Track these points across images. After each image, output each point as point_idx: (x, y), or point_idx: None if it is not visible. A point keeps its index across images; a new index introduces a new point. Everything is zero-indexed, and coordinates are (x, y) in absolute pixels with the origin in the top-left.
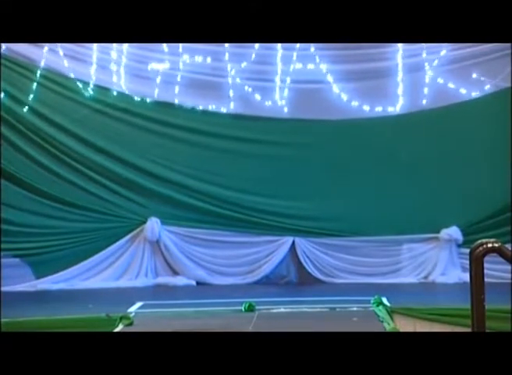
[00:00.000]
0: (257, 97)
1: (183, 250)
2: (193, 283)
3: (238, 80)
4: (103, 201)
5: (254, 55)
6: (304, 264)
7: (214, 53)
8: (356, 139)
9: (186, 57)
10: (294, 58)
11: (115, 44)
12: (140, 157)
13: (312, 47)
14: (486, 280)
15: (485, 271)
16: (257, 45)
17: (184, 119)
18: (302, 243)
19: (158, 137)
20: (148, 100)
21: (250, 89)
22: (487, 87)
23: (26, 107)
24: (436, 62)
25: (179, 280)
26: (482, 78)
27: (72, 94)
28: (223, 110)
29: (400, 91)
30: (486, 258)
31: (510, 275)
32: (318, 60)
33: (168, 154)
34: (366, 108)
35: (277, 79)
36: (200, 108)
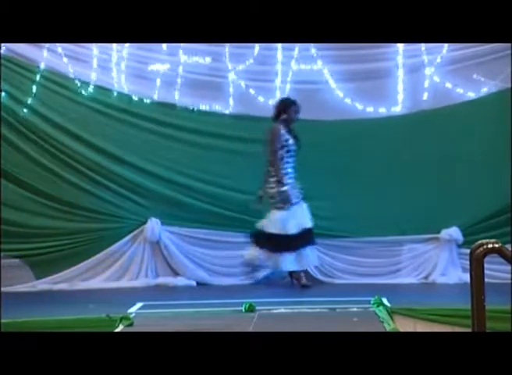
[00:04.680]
0: (258, 97)
1: (184, 250)
2: (194, 283)
3: (238, 80)
4: (103, 202)
5: (254, 56)
6: None
7: (214, 53)
8: (356, 139)
9: (186, 57)
10: (294, 58)
11: (115, 45)
12: (140, 157)
13: (312, 47)
14: (486, 280)
15: (486, 271)
16: (257, 46)
17: (184, 120)
18: None
19: (159, 137)
20: (149, 100)
21: (250, 89)
22: (487, 87)
23: (27, 107)
24: (436, 62)
25: (180, 281)
26: (482, 79)
27: (73, 95)
28: (223, 110)
29: (400, 91)
30: (486, 259)
31: (510, 275)
32: (318, 61)
33: (168, 154)
34: (367, 108)
35: (277, 79)
36: (201, 108)
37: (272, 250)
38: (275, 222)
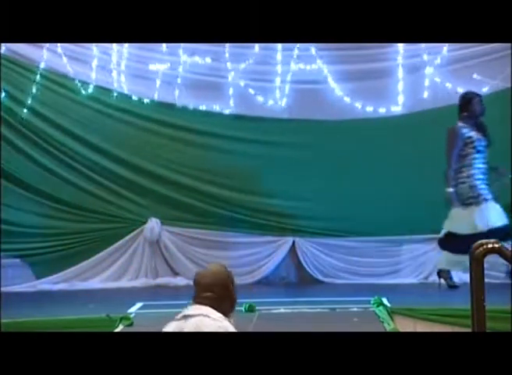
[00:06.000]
0: (258, 97)
1: (183, 250)
2: None
3: (238, 80)
4: (103, 202)
5: (254, 56)
6: (304, 264)
7: (214, 53)
8: (356, 139)
9: (186, 57)
10: (294, 58)
11: (115, 45)
12: (140, 157)
13: (312, 47)
14: (486, 280)
15: (485, 271)
16: (257, 46)
17: (184, 120)
18: (302, 243)
19: (159, 137)
20: (148, 100)
21: (250, 89)
22: (487, 87)
23: (26, 107)
24: (437, 62)
25: (180, 281)
26: (483, 78)
27: (73, 95)
28: (223, 110)
29: (400, 91)
30: (486, 259)
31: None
32: (318, 60)
33: (168, 154)
34: (367, 108)
35: (277, 79)
36: (201, 108)
37: (463, 251)
38: (461, 220)
